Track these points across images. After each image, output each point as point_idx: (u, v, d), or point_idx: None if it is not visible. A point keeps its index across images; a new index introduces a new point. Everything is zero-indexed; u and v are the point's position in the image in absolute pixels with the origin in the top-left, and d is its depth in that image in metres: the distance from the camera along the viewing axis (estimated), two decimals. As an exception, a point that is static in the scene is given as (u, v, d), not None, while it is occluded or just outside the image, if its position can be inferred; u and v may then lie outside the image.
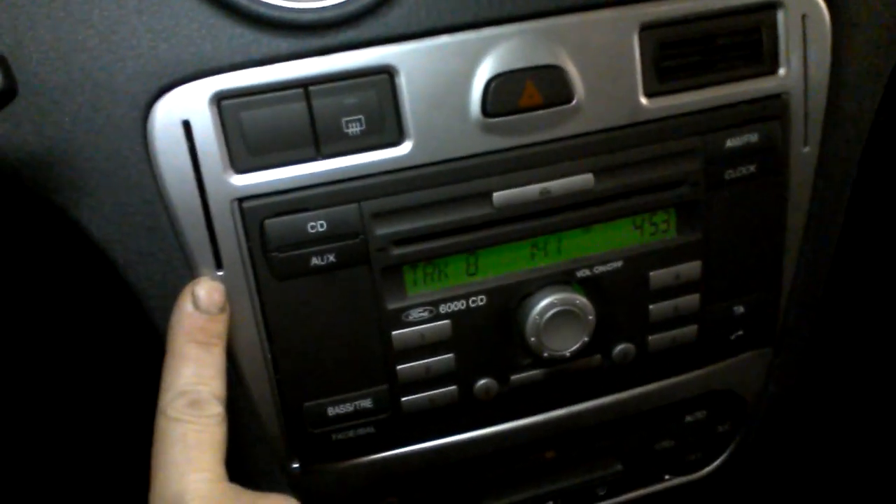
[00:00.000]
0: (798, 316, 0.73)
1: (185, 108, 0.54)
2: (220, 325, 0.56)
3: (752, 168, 0.64)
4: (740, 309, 0.69)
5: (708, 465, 0.80)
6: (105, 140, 0.54)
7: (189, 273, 0.58)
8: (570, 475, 0.75)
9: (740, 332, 0.70)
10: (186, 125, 0.55)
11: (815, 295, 0.73)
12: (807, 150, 0.66)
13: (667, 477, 0.79)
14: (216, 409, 0.53)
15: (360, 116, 0.56)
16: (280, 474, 0.66)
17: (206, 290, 0.56)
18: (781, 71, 0.63)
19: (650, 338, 0.67)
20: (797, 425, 0.83)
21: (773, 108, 0.64)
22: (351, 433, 0.64)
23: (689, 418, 0.76)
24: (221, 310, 0.56)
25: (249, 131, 0.55)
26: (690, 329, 0.68)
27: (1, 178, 0.55)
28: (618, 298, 0.65)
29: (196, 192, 0.56)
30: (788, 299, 0.72)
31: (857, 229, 0.76)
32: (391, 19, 0.56)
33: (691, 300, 0.67)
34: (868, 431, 1.01)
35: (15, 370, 0.83)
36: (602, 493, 0.77)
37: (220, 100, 0.55)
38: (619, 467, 0.76)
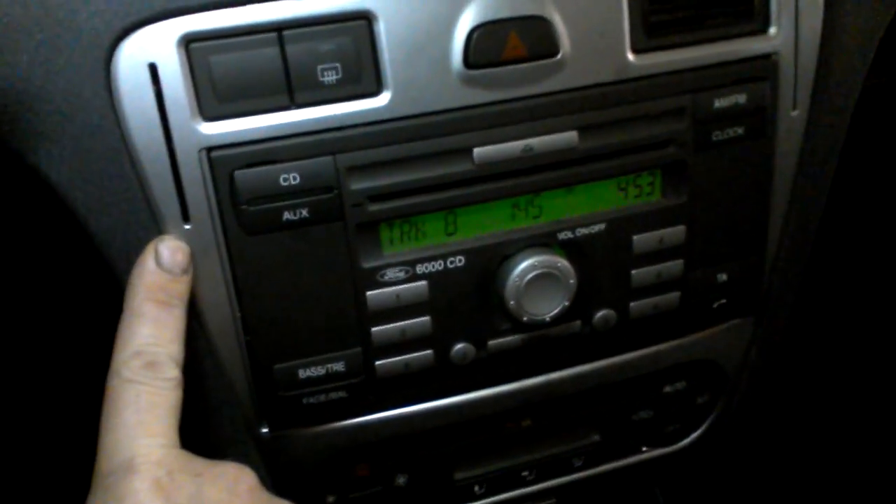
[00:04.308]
0: (782, 285, 0.72)
1: (152, 50, 0.52)
2: (181, 287, 0.54)
3: (739, 130, 0.62)
4: (723, 276, 0.67)
5: (686, 437, 0.79)
6: (66, 82, 0.51)
7: (154, 225, 0.55)
8: (547, 445, 0.74)
9: (723, 301, 0.69)
10: (153, 68, 0.52)
11: (799, 264, 0.71)
12: (795, 113, 0.65)
13: (644, 449, 0.78)
14: (173, 373, 0.51)
15: (337, 64, 0.54)
16: (248, 439, 0.64)
17: (170, 250, 0.54)
18: (772, 30, 0.62)
19: (632, 304, 0.66)
20: (778, 397, 0.82)
21: (762, 69, 0.62)
22: (322, 397, 0.62)
23: (668, 389, 0.75)
24: (185, 271, 0.54)
25: (219, 77, 0.53)
26: (673, 296, 0.66)
27: None
28: (600, 262, 0.63)
29: (162, 140, 0.53)
30: (772, 267, 0.70)
31: (845, 197, 0.74)
32: None
33: (675, 266, 0.65)
34: (850, 404, 1.00)
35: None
36: (578, 465, 0.75)
37: (188, 42, 0.52)
38: (596, 438, 0.75)
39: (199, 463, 0.49)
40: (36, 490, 0.89)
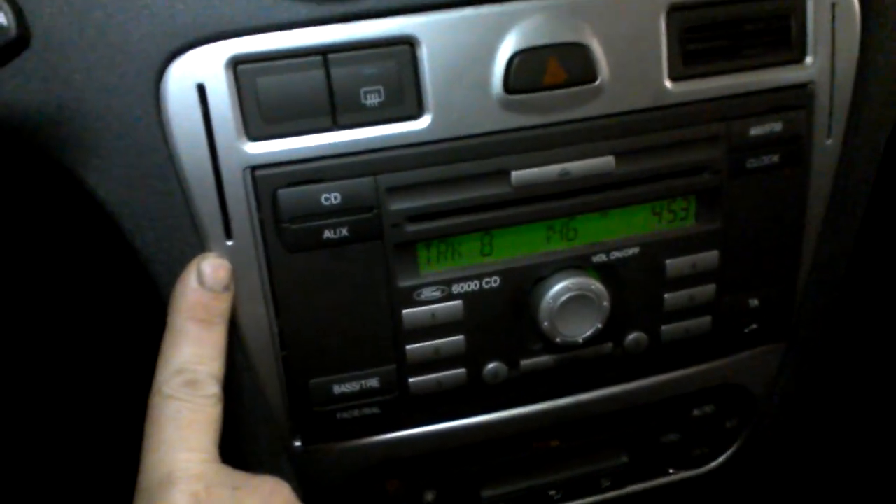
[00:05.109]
0: (813, 312, 0.72)
1: (201, 71, 0.53)
2: (223, 304, 0.55)
3: (774, 158, 0.63)
4: (755, 302, 0.68)
5: (713, 460, 0.79)
6: (117, 101, 0.53)
7: (198, 241, 0.56)
8: (575, 465, 0.74)
9: (754, 326, 0.69)
10: (201, 89, 0.53)
11: (831, 291, 0.72)
12: (830, 142, 0.65)
13: (671, 471, 0.78)
14: (213, 390, 0.52)
15: (379, 87, 0.55)
16: (282, 453, 0.65)
17: (213, 268, 0.55)
18: (808, 59, 0.62)
19: (663, 327, 0.66)
20: (806, 424, 0.82)
21: (798, 98, 0.63)
22: (356, 413, 0.63)
23: (696, 412, 0.75)
24: (226, 288, 0.55)
25: (265, 98, 0.54)
26: (704, 320, 0.67)
27: (7, 135, 0.53)
28: (633, 285, 0.64)
29: (208, 159, 0.55)
30: (804, 294, 0.70)
31: (877, 226, 0.74)
32: None
33: (707, 290, 0.66)
34: (879, 434, 1.00)
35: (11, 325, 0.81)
36: (606, 485, 0.76)
37: (236, 64, 0.53)
38: (624, 459, 0.75)
39: (237, 476, 0.50)
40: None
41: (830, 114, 0.64)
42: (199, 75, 0.53)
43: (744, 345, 0.72)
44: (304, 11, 0.53)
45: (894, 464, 0.99)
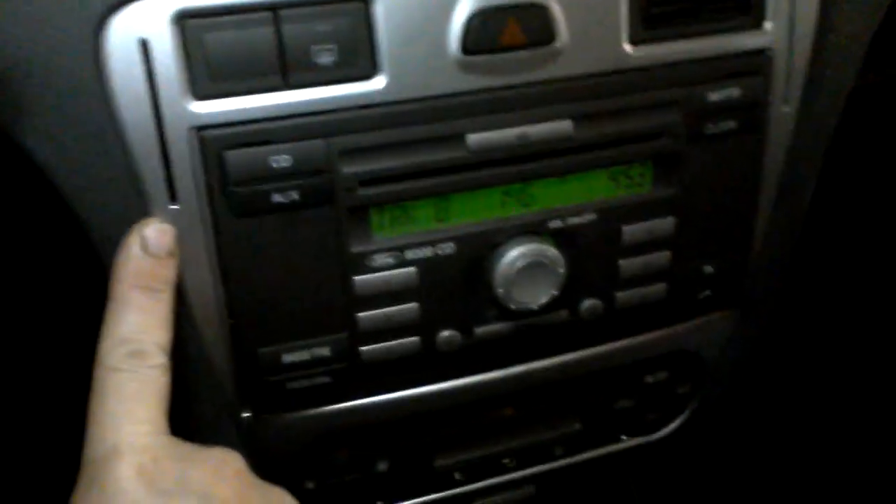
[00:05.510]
0: (766, 278, 0.72)
1: (144, 25, 0.50)
2: (167, 271, 0.53)
3: (732, 124, 0.62)
4: (710, 269, 0.68)
5: (665, 426, 0.79)
6: (54, 56, 0.50)
7: (141, 204, 0.54)
8: (528, 433, 0.74)
9: (708, 293, 0.69)
10: (144, 44, 0.51)
11: (783, 258, 0.72)
12: (786, 109, 0.65)
13: (624, 438, 0.79)
14: (159, 360, 0.50)
15: (332, 46, 0.53)
16: (229, 423, 0.63)
17: (156, 233, 0.53)
18: (767, 25, 0.62)
19: (618, 294, 0.66)
20: (757, 391, 0.83)
21: (756, 64, 0.62)
22: (306, 382, 0.62)
23: (649, 378, 0.75)
24: (170, 254, 0.53)
25: (213, 55, 0.51)
26: (659, 287, 0.67)
27: None
28: (589, 252, 0.63)
29: (152, 119, 0.52)
30: (757, 262, 0.71)
31: (830, 193, 0.75)
32: None
33: (662, 257, 0.65)
34: (831, 400, 1.01)
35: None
36: (559, 453, 0.76)
37: (182, 18, 0.51)
38: (577, 426, 0.75)
39: (186, 448, 0.49)
40: (27, 481, 0.88)
41: (788, 81, 0.64)
42: (142, 30, 0.50)
43: (697, 311, 0.72)
44: None
45: (843, 430, 1.01)
